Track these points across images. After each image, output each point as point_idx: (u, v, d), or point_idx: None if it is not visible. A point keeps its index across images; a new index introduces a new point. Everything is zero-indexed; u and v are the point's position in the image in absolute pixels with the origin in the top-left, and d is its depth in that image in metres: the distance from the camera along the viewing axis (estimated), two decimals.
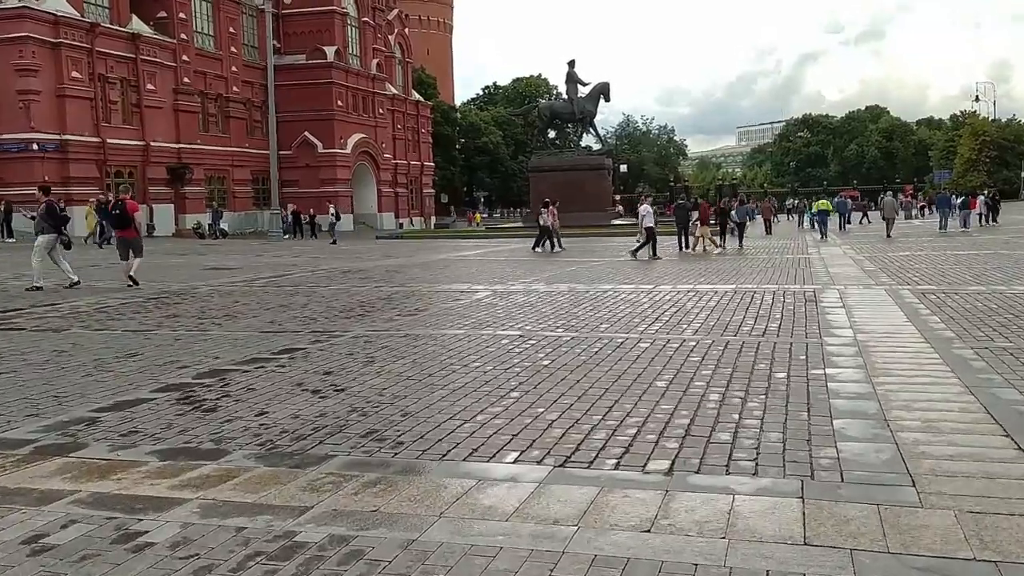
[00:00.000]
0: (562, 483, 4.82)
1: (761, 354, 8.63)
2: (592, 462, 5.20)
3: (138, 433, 6.05)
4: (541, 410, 6.48)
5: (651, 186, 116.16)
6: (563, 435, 5.77)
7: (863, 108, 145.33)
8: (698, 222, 28.37)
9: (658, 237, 25.84)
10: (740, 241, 31.17)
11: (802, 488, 4.64)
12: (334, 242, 42.75)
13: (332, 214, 48.02)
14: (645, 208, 26.42)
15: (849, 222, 47.51)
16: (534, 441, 5.64)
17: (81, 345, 10.09)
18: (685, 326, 10.74)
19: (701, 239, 28.17)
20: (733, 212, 32.39)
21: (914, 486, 4.61)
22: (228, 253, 32.34)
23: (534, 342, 9.71)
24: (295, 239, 45.93)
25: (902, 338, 9.33)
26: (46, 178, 44.28)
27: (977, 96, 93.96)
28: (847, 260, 21.91)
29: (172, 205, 54.13)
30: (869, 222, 52.19)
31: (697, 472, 4.99)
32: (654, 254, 24.77)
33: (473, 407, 6.60)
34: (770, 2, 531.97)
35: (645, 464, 5.14)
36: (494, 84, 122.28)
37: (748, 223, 34.19)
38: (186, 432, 6.06)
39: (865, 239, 33.60)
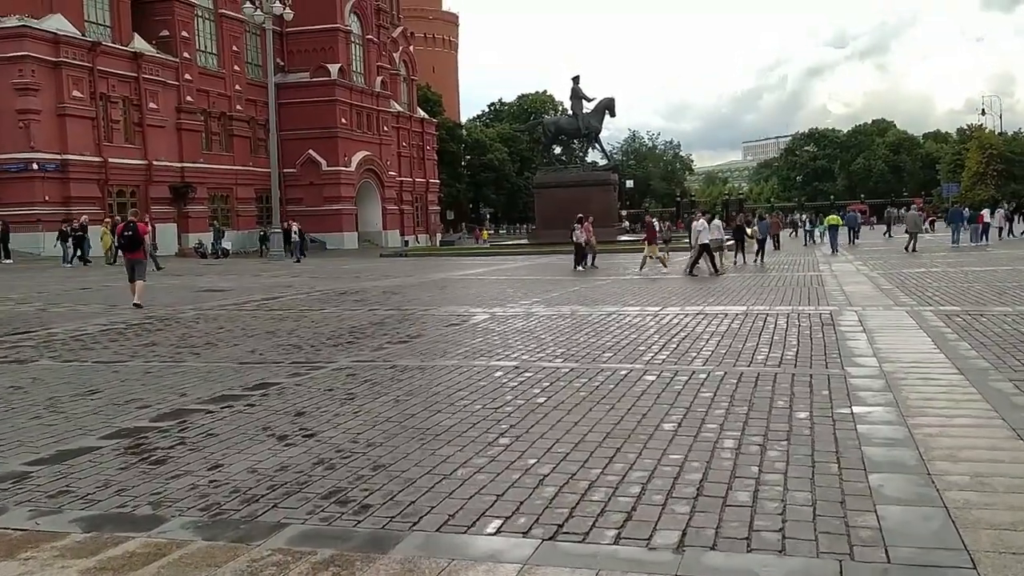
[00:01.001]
0: (552, 564, 4.04)
1: (779, 389, 7.80)
2: (588, 533, 4.42)
3: (69, 493, 5.28)
4: (532, 461, 5.71)
5: (657, 201, 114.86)
6: (556, 495, 4.98)
7: (870, 122, 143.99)
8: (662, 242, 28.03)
9: (666, 254, 25.49)
10: (761, 258, 30.60)
11: (841, 572, 3.84)
12: (297, 260, 40.97)
13: (295, 231, 44.57)
14: (700, 223, 25.48)
15: (858, 236, 46.74)
16: (522, 503, 4.86)
17: (41, 380, 9.35)
18: (694, 354, 9.96)
19: (649, 257, 27.01)
20: (754, 228, 32.00)
21: (975, 568, 3.79)
22: (225, 273, 31.58)
23: (530, 374, 8.94)
24: (292, 258, 43.09)
25: (932, 368, 8.53)
26: (47, 198, 43.62)
27: (983, 109, 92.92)
28: (861, 277, 21.20)
29: (175, 224, 52.65)
30: (891, 236, 51.11)
31: (713, 548, 4.18)
32: (715, 270, 23.89)
33: (455, 457, 5.84)
34: (775, 18, 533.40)
35: (651, 536, 4.35)
36: (499, 101, 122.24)
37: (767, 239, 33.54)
38: (124, 492, 5.28)
39: (875, 254, 32.85)
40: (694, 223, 27.42)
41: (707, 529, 4.44)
